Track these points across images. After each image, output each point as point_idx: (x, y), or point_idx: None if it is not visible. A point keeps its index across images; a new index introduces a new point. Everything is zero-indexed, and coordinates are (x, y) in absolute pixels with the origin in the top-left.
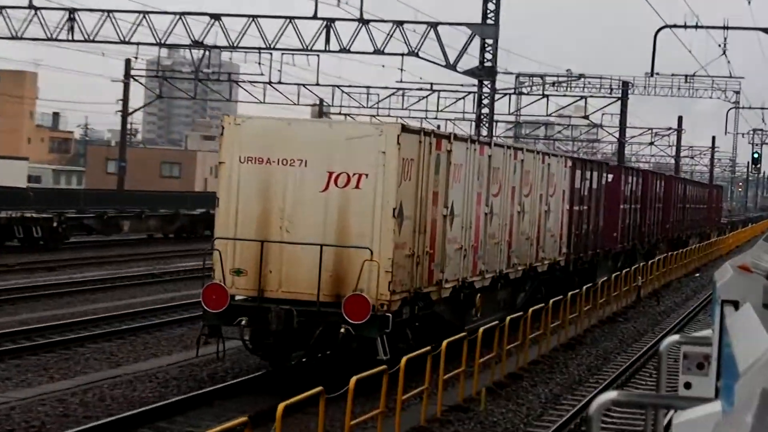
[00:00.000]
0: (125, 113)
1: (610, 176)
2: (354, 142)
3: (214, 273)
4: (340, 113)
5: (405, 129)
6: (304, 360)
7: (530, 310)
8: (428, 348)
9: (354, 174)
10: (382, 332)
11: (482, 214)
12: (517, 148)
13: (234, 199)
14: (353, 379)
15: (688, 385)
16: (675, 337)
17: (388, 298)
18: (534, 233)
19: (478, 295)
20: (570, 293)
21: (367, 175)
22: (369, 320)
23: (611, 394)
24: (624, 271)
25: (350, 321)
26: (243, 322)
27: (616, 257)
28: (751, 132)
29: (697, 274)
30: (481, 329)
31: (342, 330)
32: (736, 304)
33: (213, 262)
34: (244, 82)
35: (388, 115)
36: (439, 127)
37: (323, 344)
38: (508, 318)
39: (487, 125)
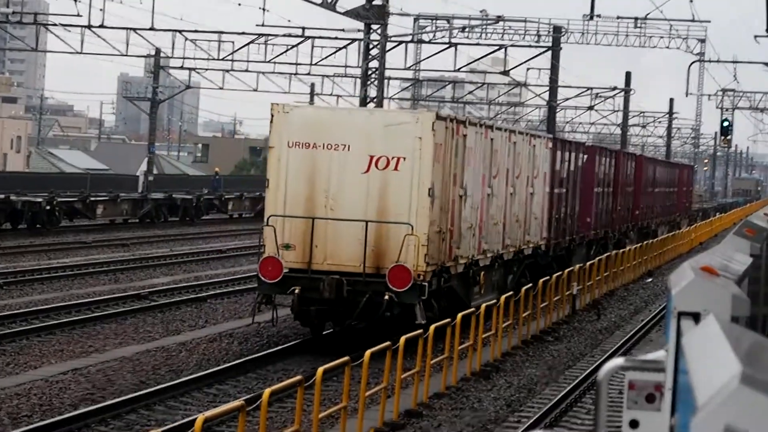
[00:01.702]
0: None
1: (585, 157)
2: (393, 129)
3: (266, 248)
4: (182, 67)
5: (438, 117)
6: (337, 329)
7: (432, 327)
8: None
9: (393, 157)
10: (419, 299)
11: (485, 195)
12: (511, 130)
13: (283, 181)
14: (367, 353)
15: (634, 424)
16: (618, 362)
17: (424, 269)
18: (522, 215)
19: (482, 273)
20: (484, 304)
21: (405, 158)
22: (410, 288)
23: None
24: (555, 276)
25: (393, 289)
26: (296, 291)
27: (590, 245)
28: (720, 93)
29: (650, 279)
30: (368, 353)
31: (386, 297)
32: (696, 317)
33: (265, 237)
34: (54, 25)
35: (247, 70)
36: (313, 85)
37: (368, 311)
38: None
39: (376, 83)
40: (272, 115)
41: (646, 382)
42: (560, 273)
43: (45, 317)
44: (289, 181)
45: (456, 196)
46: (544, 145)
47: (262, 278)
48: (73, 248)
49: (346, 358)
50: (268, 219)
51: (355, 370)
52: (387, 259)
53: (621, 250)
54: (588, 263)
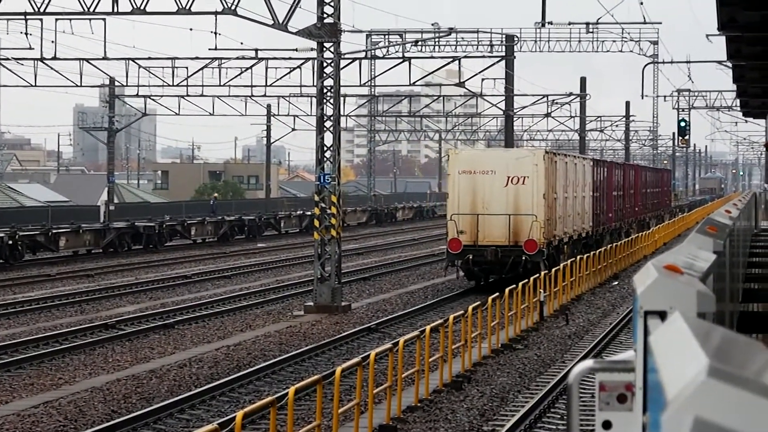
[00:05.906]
0: None
1: (606, 169)
2: (520, 159)
3: (449, 233)
4: (137, 95)
5: (546, 152)
6: (491, 280)
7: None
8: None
9: (522, 176)
10: (542, 258)
11: (564, 198)
12: (574, 155)
13: (456, 194)
14: (338, 370)
15: (607, 425)
16: (588, 364)
17: (543, 241)
18: (580, 211)
19: (565, 246)
20: (453, 316)
21: (528, 177)
22: (537, 252)
23: None
24: (521, 284)
25: (527, 253)
26: (470, 257)
27: (612, 233)
28: (676, 93)
29: (615, 282)
30: (338, 369)
31: (523, 258)
32: (662, 315)
33: (449, 228)
34: (7, 59)
35: (202, 94)
36: (269, 106)
37: (512, 267)
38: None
39: (332, 101)
40: (448, 155)
41: (617, 383)
42: (548, 272)
43: (13, 352)
44: (460, 194)
45: (553, 198)
46: (589, 164)
47: (450, 251)
48: (38, 281)
49: (317, 377)
50: (451, 216)
51: (327, 388)
52: (522, 236)
53: (588, 254)
54: (554, 270)
